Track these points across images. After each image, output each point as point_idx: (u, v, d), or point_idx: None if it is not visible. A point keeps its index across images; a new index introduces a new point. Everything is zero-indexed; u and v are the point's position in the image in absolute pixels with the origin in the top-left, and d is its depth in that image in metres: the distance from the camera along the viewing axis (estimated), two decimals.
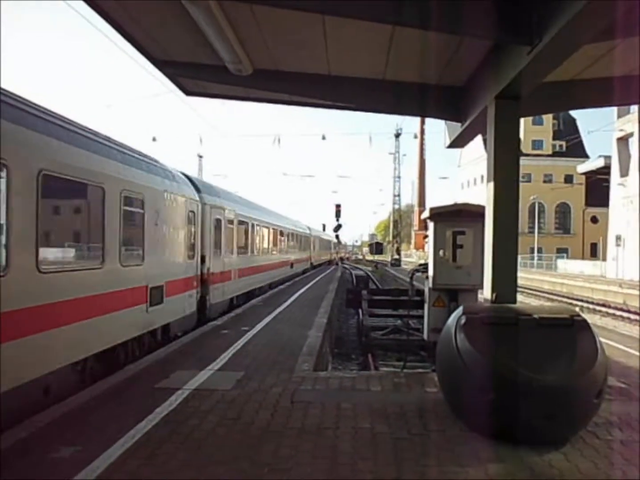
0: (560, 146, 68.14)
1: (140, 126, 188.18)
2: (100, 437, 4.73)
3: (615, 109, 39.72)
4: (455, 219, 9.13)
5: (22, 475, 4.05)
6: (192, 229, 11.87)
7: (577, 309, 19.01)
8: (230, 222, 15.54)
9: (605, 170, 46.28)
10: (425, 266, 10.00)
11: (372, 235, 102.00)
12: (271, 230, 23.03)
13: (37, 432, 4.91)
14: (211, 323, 11.97)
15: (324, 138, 46.72)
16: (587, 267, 46.26)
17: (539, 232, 59.34)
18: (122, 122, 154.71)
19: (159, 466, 4.20)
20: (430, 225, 9.45)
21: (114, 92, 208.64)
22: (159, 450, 4.50)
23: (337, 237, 65.63)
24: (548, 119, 65.67)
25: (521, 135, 55.68)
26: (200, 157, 54.59)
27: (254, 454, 4.46)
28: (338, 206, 54.04)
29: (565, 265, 50.71)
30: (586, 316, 5.64)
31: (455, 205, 9.97)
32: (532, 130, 65.48)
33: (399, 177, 66.52)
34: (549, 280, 40.41)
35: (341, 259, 66.35)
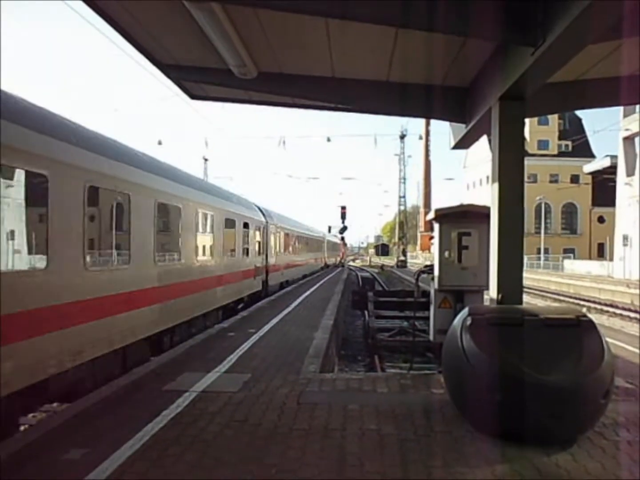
0: (566, 146, 67.86)
1: (147, 129, 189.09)
2: (110, 439, 4.77)
3: (621, 108, 39.51)
4: (461, 220, 9.12)
5: (34, 477, 4.08)
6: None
7: (584, 309, 18.96)
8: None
9: (612, 169, 46.09)
10: (431, 267, 9.99)
11: (378, 237, 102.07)
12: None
13: (47, 434, 4.96)
14: (218, 326, 12.02)
15: (329, 140, 46.98)
16: (594, 267, 46.01)
17: (545, 233, 59.20)
18: (129, 126, 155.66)
19: (167, 468, 4.23)
20: (436, 226, 9.45)
21: (121, 96, 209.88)
22: (167, 452, 4.52)
23: (342, 239, 65.56)
24: (554, 119, 65.48)
25: (527, 136, 55.71)
26: (206, 160, 54.85)
27: (262, 455, 4.48)
28: (343, 208, 54.03)
29: (572, 265, 50.48)
30: (593, 317, 5.63)
31: (461, 206, 9.95)
32: (537, 131, 65.30)
33: (404, 178, 66.36)
34: (556, 281, 40.23)
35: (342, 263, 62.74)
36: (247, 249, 17.08)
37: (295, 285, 25.38)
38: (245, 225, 16.85)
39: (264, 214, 20.90)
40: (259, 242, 19.19)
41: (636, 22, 4.92)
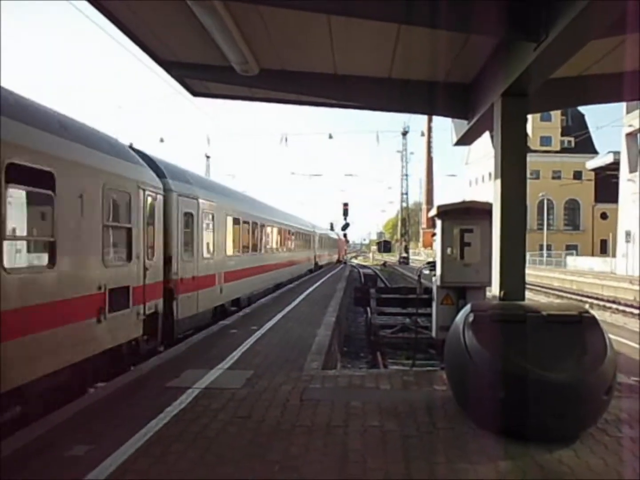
0: (569, 142, 67.67)
1: (150, 127, 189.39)
2: (113, 436, 4.79)
3: (624, 104, 39.38)
4: (463, 217, 9.13)
5: (38, 473, 4.10)
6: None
7: (586, 306, 18.95)
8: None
9: (615, 166, 46.04)
10: (433, 264, 10.00)
11: (380, 234, 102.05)
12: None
13: (51, 431, 4.97)
14: (220, 322, 12.04)
15: (330, 137, 46.76)
16: (596, 263, 45.97)
17: (548, 229, 59.14)
18: (131, 123, 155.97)
19: (170, 465, 4.24)
20: (438, 223, 9.46)
21: (124, 93, 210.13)
22: (170, 449, 4.53)
23: (345, 235, 65.57)
24: (556, 115, 65.27)
25: (529, 132, 55.51)
26: (208, 157, 54.78)
27: (264, 452, 4.49)
28: (346, 205, 54.08)
29: (575, 262, 50.43)
30: (596, 313, 5.62)
31: (463, 202, 9.95)
32: (540, 127, 65.11)
33: (406, 175, 66.30)
34: (559, 277, 40.18)
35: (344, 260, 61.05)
36: (53, 248, 6.36)
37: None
38: (44, 183, 6.28)
39: (161, 174, 10.42)
40: (130, 231, 8.57)
41: (638, 17, 4.89)
